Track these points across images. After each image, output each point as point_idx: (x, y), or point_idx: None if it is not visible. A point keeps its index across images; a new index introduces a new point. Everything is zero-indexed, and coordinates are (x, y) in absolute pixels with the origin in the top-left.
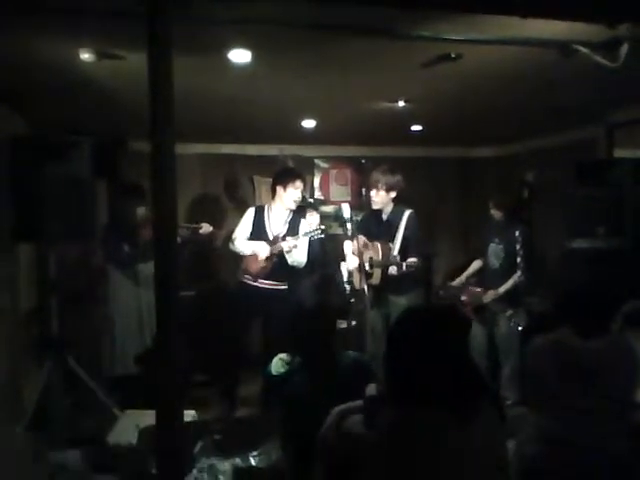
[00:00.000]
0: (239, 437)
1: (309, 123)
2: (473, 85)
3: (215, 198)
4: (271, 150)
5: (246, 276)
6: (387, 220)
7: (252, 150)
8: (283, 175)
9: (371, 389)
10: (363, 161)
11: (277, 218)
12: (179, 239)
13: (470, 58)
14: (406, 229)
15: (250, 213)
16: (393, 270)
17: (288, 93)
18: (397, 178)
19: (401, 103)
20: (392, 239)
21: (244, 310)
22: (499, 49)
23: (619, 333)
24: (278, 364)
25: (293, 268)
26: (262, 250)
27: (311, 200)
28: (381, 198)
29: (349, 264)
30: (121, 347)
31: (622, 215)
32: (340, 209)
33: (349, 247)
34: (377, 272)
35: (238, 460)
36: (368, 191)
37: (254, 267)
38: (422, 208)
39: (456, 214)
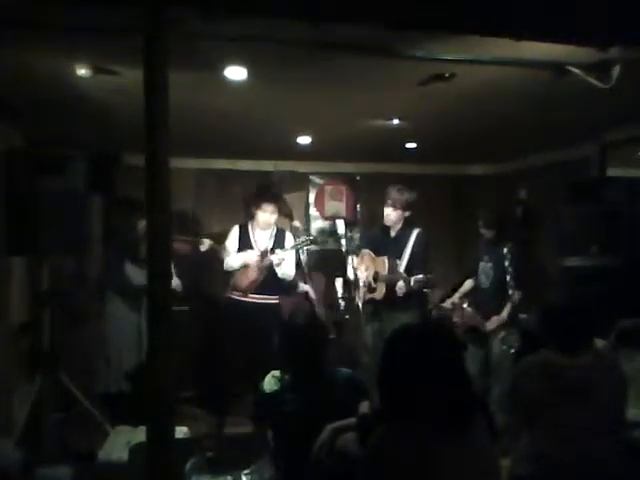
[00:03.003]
0: (231, 454)
1: (304, 139)
2: (467, 103)
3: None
4: (266, 166)
5: (235, 292)
6: (395, 237)
7: (247, 165)
8: (255, 197)
9: (364, 407)
10: (358, 178)
11: (262, 233)
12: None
13: (464, 77)
14: (414, 247)
15: (235, 231)
16: (401, 286)
17: (283, 109)
18: (413, 197)
19: (395, 121)
20: (399, 256)
21: (236, 325)
22: (493, 69)
23: (606, 349)
24: (271, 381)
25: (283, 281)
26: (251, 257)
27: (297, 224)
28: (396, 216)
29: (361, 277)
30: (118, 363)
31: (616, 233)
32: (335, 225)
33: (353, 262)
34: (381, 287)
35: (230, 478)
36: (381, 207)
37: (244, 282)
38: (415, 224)
39: (449, 231)
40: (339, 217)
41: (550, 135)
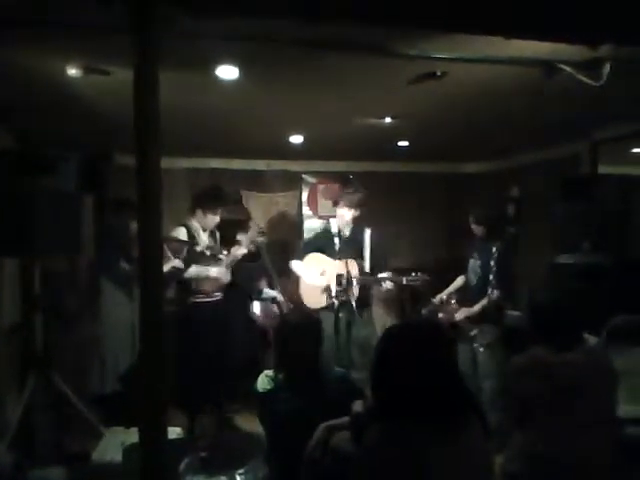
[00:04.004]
0: (226, 454)
1: (297, 138)
2: (459, 102)
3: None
4: (259, 165)
5: (199, 296)
6: (348, 238)
7: (240, 165)
8: (204, 199)
9: (357, 405)
10: (351, 176)
11: (204, 234)
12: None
13: (456, 76)
14: (372, 246)
15: (183, 233)
16: (389, 286)
17: (276, 109)
18: (365, 196)
19: (388, 119)
20: (359, 256)
21: (210, 327)
22: (484, 67)
23: (597, 346)
24: (264, 380)
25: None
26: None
27: (260, 237)
28: (350, 216)
29: (311, 281)
30: (113, 363)
31: (607, 230)
32: (328, 223)
33: (298, 266)
34: (352, 288)
35: (224, 478)
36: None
37: (214, 284)
38: (407, 223)
39: (441, 229)
40: (333, 216)
41: (542, 133)
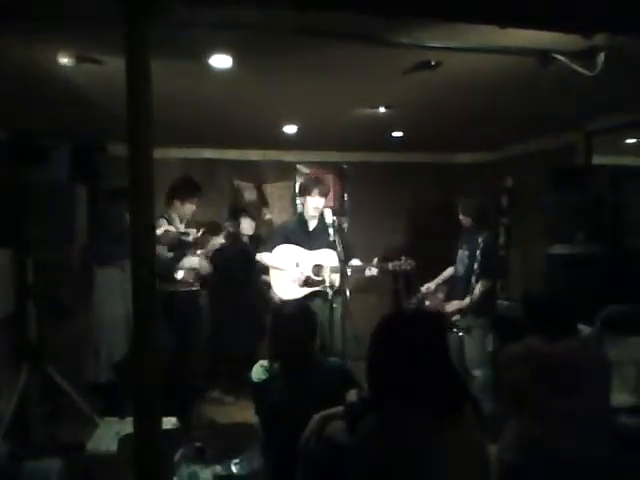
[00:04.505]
0: (221, 444)
1: (291, 128)
2: (453, 92)
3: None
4: (253, 155)
5: (186, 285)
6: (316, 228)
7: (234, 155)
8: (181, 190)
9: (352, 395)
10: (345, 166)
11: (181, 223)
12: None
13: (450, 65)
14: (342, 235)
15: (165, 223)
16: (374, 272)
17: (269, 98)
18: (330, 185)
19: (382, 109)
20: (330, 245)
21: (193, 316)
22: (479, 57)
23: (591, 336)
24: (259, 370)
25: None
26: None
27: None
28: (320, 205)
29: (287, 273)
30: (108, 353)
31: (601, 221)
32: (322, 214)
33: (269, 258)
34: (334, 277)
35: (219, 468)
36: (304, 198)
37: (193, 274)
38: (402, 213)
39: (435, 220)
40: (326, 206)
41: (536, 123)
